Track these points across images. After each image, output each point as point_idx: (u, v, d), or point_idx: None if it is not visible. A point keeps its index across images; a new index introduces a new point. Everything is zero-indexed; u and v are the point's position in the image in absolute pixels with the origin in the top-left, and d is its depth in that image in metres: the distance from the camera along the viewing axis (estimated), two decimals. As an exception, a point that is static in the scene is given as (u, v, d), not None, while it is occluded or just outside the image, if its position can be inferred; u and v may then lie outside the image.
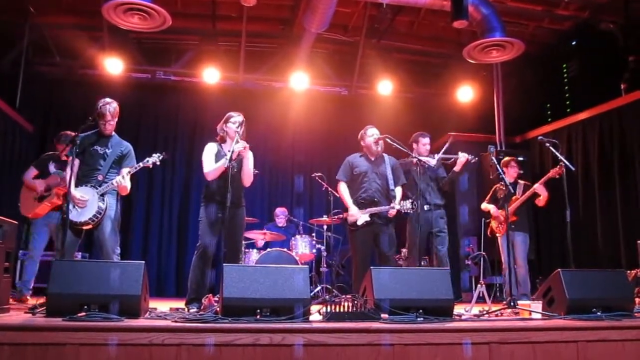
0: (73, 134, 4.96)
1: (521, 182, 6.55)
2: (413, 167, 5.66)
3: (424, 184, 5.60)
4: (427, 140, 5.94)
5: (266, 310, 3.26)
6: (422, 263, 6.00)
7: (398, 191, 5.37)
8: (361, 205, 5.27)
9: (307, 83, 8.77)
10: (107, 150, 4.65)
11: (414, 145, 5.91)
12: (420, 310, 3.45)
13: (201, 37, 8.85)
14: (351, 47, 8.95)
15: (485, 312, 4.29)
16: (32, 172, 5.75)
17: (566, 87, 8.74)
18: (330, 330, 3.03)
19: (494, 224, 6.54)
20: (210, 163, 4.73)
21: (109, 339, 2.83)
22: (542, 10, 7.93)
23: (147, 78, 8.89)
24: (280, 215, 8.24)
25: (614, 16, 7.63)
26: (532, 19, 8.26)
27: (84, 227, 4.49)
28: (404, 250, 7.62)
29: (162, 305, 4.49)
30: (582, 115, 8.03)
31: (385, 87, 8.85)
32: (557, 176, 5.99)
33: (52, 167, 5.78)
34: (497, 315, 4.12)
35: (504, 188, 6.45)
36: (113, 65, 8.11)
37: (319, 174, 7.21)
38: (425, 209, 5.51)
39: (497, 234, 6.50)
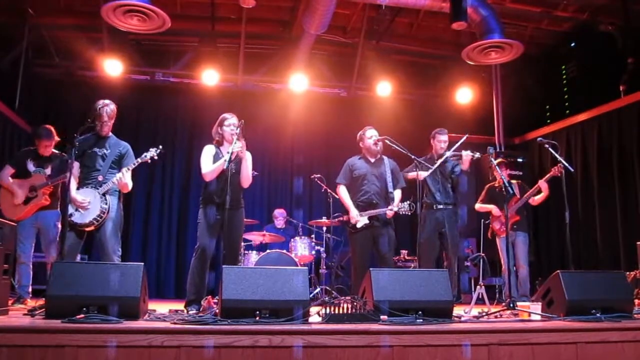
0: (51, 127, 4.98)
1: (514, 182, 6.55)
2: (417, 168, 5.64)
3: (434, 183, 5.59)
4: (443, 137, 5.87)
5: (265, 311, 3.26)
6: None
7: (397, 194, 5.37)
8: (360, 207, 5.27)
9: (306, 84, 8.76)
10: (105, 151, 4.66)
11: (431, 142, 5.90)
12: (420, 312, 3.45)
13: (200, 38, 8.85)
14: (350, 48, 8.95)
15: (484, 314, 4.28)
16: (9, 170, 5.47)
17: (565, 89, 8.74)
18: (330, 332, 3.02)
19: (496, 224, 6.51)
20: (209, 164, 4.73)
21: (108, 341, 2.83)
22: (541, 11, 7.94)
23: (146, 80, 8.88)
24: (279, 217, 8.24)
25: (613, 18, 7.64)
26: (531, 21, 8.27)
27: (87, 229, 4.48)
28: (403, 251, 7.66)
29: (161, 307, 4.48)
30: (581, 117, 8.04)
31: (384, 88, 8.85)
32: (559, 174, 6.00)
33: (30, 166, 5.51)
34: (496, 317, 4.11)
35: (497, 188, 6.48)
36: (112, 67, 8.10)
37: (318, 175, 7.20)
38: (435, 208, 5.49)
39: (498, 235, 6.48)
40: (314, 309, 3.50)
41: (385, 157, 5.50)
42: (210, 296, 4.19)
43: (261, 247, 7.64)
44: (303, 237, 7.45)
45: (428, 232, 5.52)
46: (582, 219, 7.67)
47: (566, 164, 5.02)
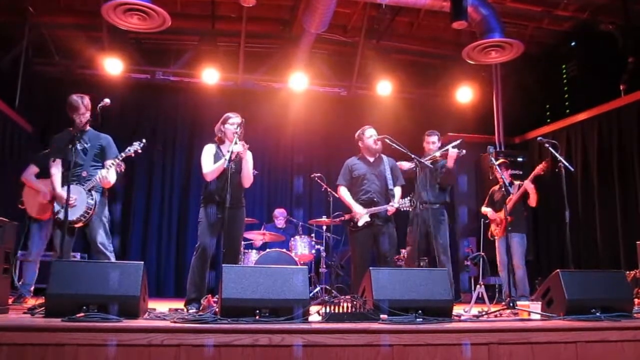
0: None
1: (516, 182, 6.56)
2: (415, 168, 5.69)
3: (423, 183, 5.61)
4: (432, 138, 6.01)
5: (265, 310, 3.26)
6: (422, 264, 6.00)
7: (397, 190, 5.38)
8: (361, 206, 5.27)
9: (307, 83, 8.76)
10: (85, 145, 4.60)
11: (423, 143, 5.96)
12: (420, 311, 3.45)
13: (200, 37, 8.84)
14: (350, 47, 8.95)
15: (484, 313, 4.29)
16: (33, 169, 5.65)
17: (565, 88, 8.74)
18: (330, 331, 3.03)
19: (492, 227, 6.56)
20: (209, 164, 4.73)
21: (108, 339, 2.83)
22: (542, 11, 7.93)
23: (147, 78, 8.88)
24: (279, 216, 8.24)
25: (614, 17, 7.63)
26: (531, 20, 8.26)
27: (76, 225, 4.47)
28: (403, 251, 7.65)
29: (161, 306, 4.49)
30: (582, 116, 8.04)
31: (384, 87, 8.85)
32: (543, 172, 6.02)
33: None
34: (496, 316, 4.12)
35: (498, 189, 6.52)
36: (112, 66, 8.10)
37: (319, 174, 7.20)
38: (421, 208, 5.50)
39: (495, 237, 6.52)
40: (313, 308, 3.51)
41: (384, 156, 5.50)
42: (210, 295, 4.19)
43: (261, 246, 7.65)
44: (303, 236, 7.46)
45: (414, 233, 5.57)
46: (582, 218, 7.67)
47: (566, 164, 5.02)
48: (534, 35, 8.57)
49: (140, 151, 4.67)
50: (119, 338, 2.85)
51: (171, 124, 9.33)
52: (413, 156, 5.30)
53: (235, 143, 4.54)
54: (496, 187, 6.62)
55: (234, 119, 4.82)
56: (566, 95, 8.71)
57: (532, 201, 6.34)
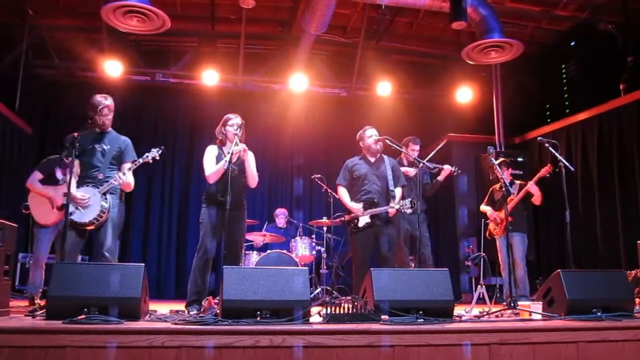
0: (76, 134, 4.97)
1: (517, 182, 6.57)
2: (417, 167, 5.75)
3: (408, 189, 5.71)
4: (417, 147, 6.27)
5: (266, 312, 3.26)
6: (412, 265, 6.08)
7: (398, 191, 5.37)
8: (357, 203, 5.27)
9: (306, 84, 8.77)
10: (104, 146, 4.56)
11: (405, 149, 5.99)
12: (420, 312, 3.45)
13: (200, 39, 8.86)
14: (350, 48, 8.95)
15: (485, 313, 4.29)
16: (37, 176, 5.60)
17: (565, 88, 8.74)
18: (330, 332, 3.02)
19: (491, 226, 6.56)
20: (211, 166, 4.73)
21: (108, 341, 2.83)
22: (541, 11, 7.94)
23: (146, 80, 8.89)
24: (281, 215, 8.24)
25: (613, 17, 7.64)
26: (531, 20, 8.27)
27: (87, 228, 4.43)
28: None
29: (162, 308, 4.49)
30: (581, 116, 8.04)
31: (384, 88, 8.86)
32: (547, 174, 6.02)
33: (59, 174, 5.63)
34: (497, 316, 4.11)
35: (498, 189, 6.53)
36: (112, 68, 8.11)
37: (319, 175, 7.21)
38: (408, 212, 5.50)
39: (495, 236, 6.52)
40: (314, 309, 3.50)
41: (385, 156, 5.49)
42: (211, 296, 4.19)
43: (262, 248, 7.65)
44: (303, 237, 7.46)
45: (402, 233, 5.86)
46: (583, 218, 7.66)
47: (566, 163, 5.02)
48: (533, 35, 8.58)
49: (158, 158, 4.60)
50: (119, 340, 2.85)
51: (171, 126, 9.35)
52: (413, 157, 5.29)
53: (236, 144, 4.54)
54: (497, 186, 6.62)
55: (234, 120, 4.81)
56: (566, 95, 8.71)
57: (537, 200, 6.34)
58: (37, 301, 5.36)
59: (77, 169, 4.53)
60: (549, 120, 8.96)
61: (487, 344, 3.12)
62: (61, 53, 8.38)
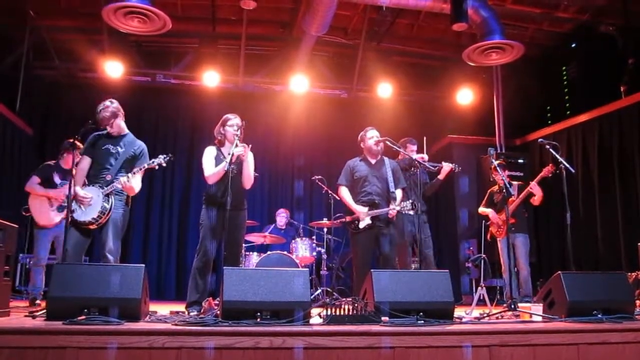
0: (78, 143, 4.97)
1: (515, 183, 6.56)
2: (410, 168, 5.75)
3: (408, 189, 5.71)
4: (414, 147, 6.21)
5: (266, 313, 3.25)
6: (413, 266, 6.07)
7: (398, 193, 5.37)
8: (361, 206, 5.26)
9: (307, 86, 8.77)
10: (119, 149, 4.55)
11: (401, 150, 5.96)
12: (421, 313, 3.45)
13: (201, 40, 8.87)
14: (351, 49, 8.96)
15: (485, 315, 4.28)
16: (36, 180, 5.75)
17: (566, 90, 8.74)
18: (331, 333, 3.02)
19: (493, 228, 6.56)
20: (210, 167, 4.72)
21: (109, 342, 2.83)
22: (542, 12, 7.95)
23: (147, 81, 8.90)
24: (282, 213, 8.23)
25: (614, 19, 7.65)
26: (531, 22, 8.27)
27: (89, 227, 4.41)
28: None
29: (162, 309, 4.48)
30: (582, 118, 8.04)
31: (385, 89, 8.86)
32: (549, 174, 6.02)
33: (57, 178, 5.79)
34: (497, 318, 4.11)
35: (497, 191, 6.53)
36: (113, 69, 8.12)
37: (319, 176, 7.21)
38: (411, 213, 5.51)
39: (497, 237, 6.52)
40: (314, 311, 3.50)
41: (385, 158, 5.50)
42: (211, 298, 4.19)
43: (262, 249, 7.65)
44: (304, 238, 7.46)
45: (406, 235, 5.81)
46: (583, 219, 7.66)
47: (567, 165, 5.02)
48: (534, 37, 8.59)
49: (164, 165, 4.59)
50: (119, 341, 2.85)
51: (172, 126, 9.36)
52: (413, 158, 5.29)
53: (236, 145, 4.53)
54: (495, 188, 6.62)
55: (234, 120, 4.80)
56: (566, 97, 8.72)
57: (537, 200, 6.34)
58: (38, 302, 5.38)
59: (84, 165, 4.53)
60: (549, 122, 8.96)
61: (487, 345, 3.12)
62: (62, 54, 8.39)
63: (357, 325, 3.24)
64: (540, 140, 5.39)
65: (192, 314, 4.20)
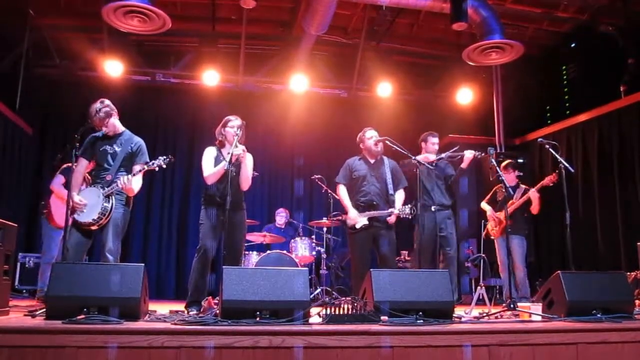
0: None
1: (523, 186, 6.56)
2: (414, 168, 5.67)
3: (430, 184, 5.63)
4: (436, 139, 5.98)
5: (266, 312, 3.26)
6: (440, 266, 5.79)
7: (398, 195, 5.35)
8: (360, 208, 5.25)
9: (307, 85, 8.77)
10: (116, 148, 4.55)
11: (423, 145, 5.95)
12: (420, 313, 3.45)
13: (201, 39, 8.86)
14: (351, 49, 8.95)
15: (485, 315, 4.28)
16: (61, 180, 5.79)
17: (565, 89, 8.75)
18: (330, 333, 3.02)
19: (489, 225, 6.56)
20: (210, 167, 4.73)
21: (108, 341, 2.83)
22: (542, 12, 7.95)
23: (147, 80, 8.89)
24: (282, 212, 8.23)
25: (614, 18, 7.64)
26: (531, 21, 8.27)
27: (91, 228, 4.41)
28: (403, 252, 7.65)
29: (161, 308, 4.48)
30: (582, 117, 8.04)
31: (384, 89, 8.86)
32: (551, 184, 6.02)
33: None
34: (496, 318, 4.11)
35: (502, 189, 6.52)
36: (113, 68, 8.12)
37: (319, 176, 7.21)
38: (432, 209, 5.49)
39: (492, 237, 6.53)
40: (314, 310, 3.50)
41: (385, 158, 5.49)
42: (210, 297, 4.19)
43: (261, 248, 7.65)
44: (303, 237, 7.45)
45: (427, 234, 5.51)
46: (583, 219, 7.66)
47: (566, 165, 5.02)
48: (534, 36, 8.58)
49: (164, 166, 4.58)
50: (119, 340, 2.85)
51: (171, 126, 9.35)
52: (413, 158, 5.30)
53: (236, 146, 4.54)
54: (501, 186, 6.60)
55: (234, 121, 4.81)
56: (566, 97, 8.72)
57: (534, 209, 6.35)
58: None
59: (80, 167, 4.54)
60: (549, 121, 8.96)
61: (486, 345, 3.12)
62: (62, 53, 8.39)
63: (356, 324, 3.24)
64: (539, 140, 5.39)
65: (191, 313, 4.20)
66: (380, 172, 5.36)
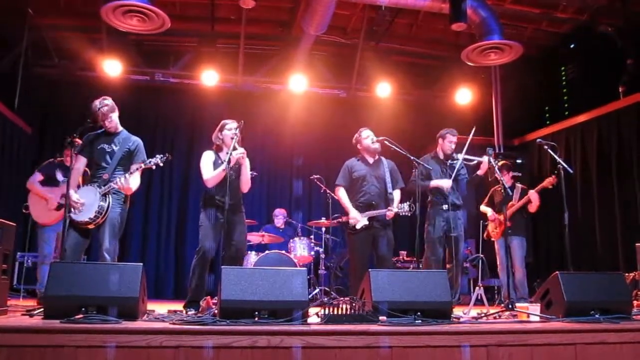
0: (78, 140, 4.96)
1: (519, 185, 6.57)
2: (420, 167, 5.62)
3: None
4: (454, 138, 5.71)
5: (264, 312, 3.26)
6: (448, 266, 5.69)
7: (396, 194, 5.35)
8: (360, 208, 5.25)
9: (306, 85, 8.77)
10: (114, 147, 4.55)
11: (440, 141, 5.75)
12: (419, 313, 3.45)
13: (200, 39, 8.86)
14: (350, 49, 8.95)
15: (483, 315, 4.29)
16: (38, 177, 5.80)
17: (564, 90, 8.76)
18: (329, 333, 3.02)
19: (490, 227, 6.57)
20: (209, 170, 4.72)
21: (106, 341, 2.83)
22: (541, 13, 7.95)
23: (146, 80, 8.88)
24: (279, 215, 8.23)
25: (613, 19, 7.65)
26: (530, 22, 8.28)
27: (87, 227, 4.40)
28: (402, 252, 7.66)
29: (160, 308, 4.48)
30: (581, 118, 8.05)
31: (383, 89, 8.86)
32: (551, 186, 6.03)
33: (59, 175, 5.81)
34: (495, 318, 4.11)
35: (498, 190, 6.54)
36: (112, 67, 8.11)
37: (318, 176, 7.20)
38: (444, 208, 5.47)
39: (493, 238, 6.53)
40: (312, 310, 3.50)
41: (383, 158, 5.49)
42: (209, 297, 4.19)
43: (260, 248, 7.64)
44: (302, 237, 7.45)
45: (438, 232, 5.45)
46: (581, 220, 7.67)
47: (565, 165, 5.02)
48: (533, 37, 8.59)
49: (161, 165, 4.58)
50: (117, 340, 2.85)
51: (170, 126, 9.34)
52: (412, 158, 5.29)
53: (235, 148, 4.54)
54: (498, 187, 6.62)
55: (231, 124, 4.81)
56: (565, 97, 8.73)
57: (533, 208, 6.37)
58: None
59: (79, 165, 4.55)
60: (548, 122, 8.97)
61: (485, 345, 3.13)
62: (61, 52, 8.38)
63: (355, 324, 3.24)
64: (538, 140, 5.39)
65: (190, 313, 4.20)
66: (379, 172, 5.36)
